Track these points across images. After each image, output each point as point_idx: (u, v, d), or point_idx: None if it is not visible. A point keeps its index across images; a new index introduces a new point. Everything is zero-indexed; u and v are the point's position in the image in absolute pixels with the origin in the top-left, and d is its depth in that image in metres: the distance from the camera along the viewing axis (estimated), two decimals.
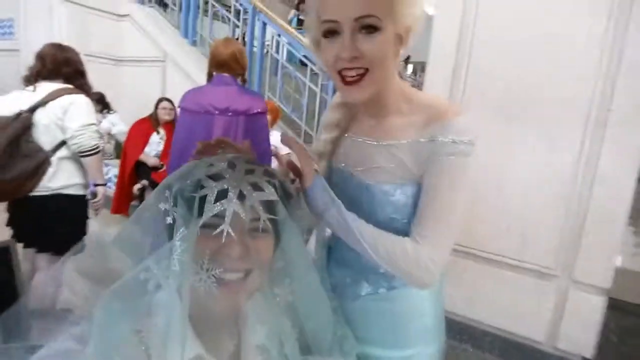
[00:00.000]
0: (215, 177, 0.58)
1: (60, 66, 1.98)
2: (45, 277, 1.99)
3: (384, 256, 0.69)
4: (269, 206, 0.60)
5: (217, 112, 1.96)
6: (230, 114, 1.96)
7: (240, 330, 0.66)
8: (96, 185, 2.12)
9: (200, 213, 0.56)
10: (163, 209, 0.59)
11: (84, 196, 2.08)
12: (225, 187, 0.57)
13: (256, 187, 0.59)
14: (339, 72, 0.69)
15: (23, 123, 1.84)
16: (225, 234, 0.55)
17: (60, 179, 1.95)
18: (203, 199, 0.56)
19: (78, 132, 1.93)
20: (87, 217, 2.12)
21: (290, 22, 6.50)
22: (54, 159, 1.92)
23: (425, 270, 0.69)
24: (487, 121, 2.02)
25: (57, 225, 1.95)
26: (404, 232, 0.72)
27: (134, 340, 0.54)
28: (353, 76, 0.68)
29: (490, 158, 2.02)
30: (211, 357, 0.59)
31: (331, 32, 0.68)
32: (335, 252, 0.89)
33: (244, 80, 2.14)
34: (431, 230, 0.70)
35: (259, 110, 2.05)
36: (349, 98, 0.73)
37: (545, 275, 1.95)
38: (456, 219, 0.72)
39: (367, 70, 0.68)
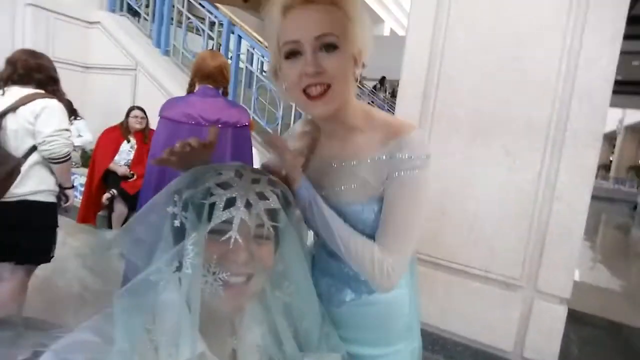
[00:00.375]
0: (223, 186, 0.61)
1: (32, 72, 1.93)
2: (8, 287, 1.90)
3: (354, 256, 0.76)
4: (272, 214, 0.63)
5: (207, 123, 1.94)
6: (220, 125, 1.96)
7: (237, 330, 0.67)
8: (65, 188, 2.07)
9: (209, 219, 0.58)
10: (171, 212, 0.61)
11: (53, 203, 2.01)
12: (234, 195, 0.60)
13: (261, 196, 0.62)
14: (304, 90, 0.73)
15: None
16: (233, 240, 0.58)
17: (27, 185, 1.88)
18: (212, 206, 0.59)
19: (51, 138, 1.87)
20: (56, 225, 2.03)
21: None
22: (24, 165, 1.85)
23: (387, 277, 0.76)
24: (455, 138, 2.13)
25: (21, 233, 1.87)
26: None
27: (146, 339, 0.56)
28: (318, 91, 0.72)
29: (457, 174, 2.12)
30: (213, 355, 0.60)
31: (293, 53, 0.72)
32: (319, 262, 0.92)
33: (225, 93, 2.15)
34: (393, 242, 0.76)
35: (246, 123, 2.06)
36: (315, 113, 0.76)
37: (511, 286, 2.05)
38: (415, 231, 0.79)
39: (329, 85, 0.72)
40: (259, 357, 0.66)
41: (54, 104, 1.92)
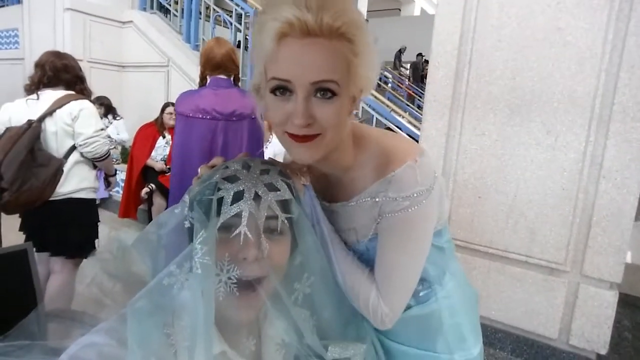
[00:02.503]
0: (230, 179, 0.59)
1: (59, 73, 2.00)
2: (60, 280, 2.03)
3: (350, 293, 0.71)
4: (284, 205, 0.60)
5: (221, 117, 1.93)
6: (234, 118, 1.95)
7: (260, 327, 0.67)
8: (109, 176, 2.22)
9: (218, 215, 0.57)
10: (181, 213, 0.60)
11: (94, 200, 2.12)
12: (241, 188, 0.58)
13: (271, 187, 0.60)
14: (287, 133, 0.62)
15: (35, 132, 1.87)
16: (242, 235, 0.55)
17: (70, 183, 1.98)
18: (220, 201, 0.57)
19: (92, 139, 1.97)
20: (97, 221, 2.15)
21: None
22: (66, 164, 1.95)
23: (380, 322, 0.71)
24: (491, 118, 2.03)
25: (69, 229, 1.99)
26: None
27: (166, 343, 0.56)
28: (304, 133, 0.61)
29: (494, 155, 2.03)
30: (234, 353, 0.60)
31: (281, 90, 0.59)
32: None
33: (237, 79, 2.10)
34: (386, 288, 0.70)
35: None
36: (298, 159, 0.64)
37: (554, 271, 1.95)
38: (411, 273, 0.72)
39: (319, 134, 0.61)
40: (284, 353, 0.65)
41: (88, 105, 2.01)
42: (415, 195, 0.66)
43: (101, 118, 3.91)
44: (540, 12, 1.89)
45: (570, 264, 1.91)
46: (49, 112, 1.91)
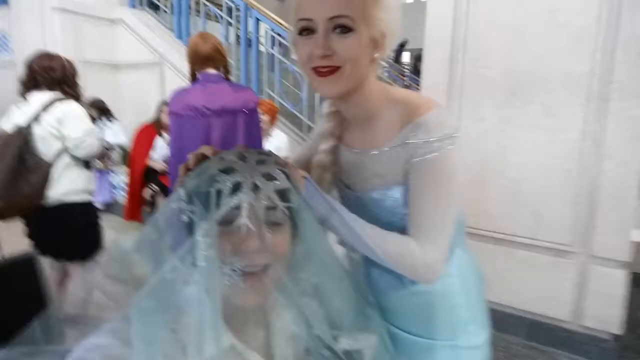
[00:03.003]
0: (227, 171, 0.58)
1: (42, 74, 1.95)
2: (72, 283, 2.03)
3: (392, 258, 0.71)
4: (283, 194, 0.60)
5: (211, 113, 1.88)
6: (225, 114, 1.91)
7: (269, 319, 0.66)
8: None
9: (217, 208, 0.56)
10: (177, 207, 0.58)
11: (88, 202, 2.08)
12: (239, 179, 0.57)
13: (269, 177, 0.59)
14: (313, 69, 0.70)
15: (24, 138, 1.85)
16: (243, 226, 0.55)
17: (62, 186, 1.94)
18: (218, 194, 0.56)
19: (82, 141, 1.93)
20: (95, 223, 2.11)
21: None
22: (56, 168, 1.92)
23: (432, 270, 0.72)
24: (488, 102, 2.02)
25: (63, 233, 1.96)
26: (403, 232, 0.74)
27: (172, 340, 0.55)
28: (325, 68, 0.69)
29: (494, 139, 2.02)
30: (243, 346, 0.59)
31: (307, 30, 0.69)
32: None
33: (227, 70, 2.06)
34: (428, 233, 0.72)
35: (253, 106, 2.01)
36: (323, 92, 0.73)
37: (562, 252, 1.94)
38: (448, 214, 0.74)
39: (339, 67, 0.68)
40: (294, 345, 0.65)
41: (73, 107, 1.95)
42: (443, 137, 0.70)
43: (94, 121, 3.87)
44: None
45: (577, 245, 1.91)
46: (35, 116, 1.87)
